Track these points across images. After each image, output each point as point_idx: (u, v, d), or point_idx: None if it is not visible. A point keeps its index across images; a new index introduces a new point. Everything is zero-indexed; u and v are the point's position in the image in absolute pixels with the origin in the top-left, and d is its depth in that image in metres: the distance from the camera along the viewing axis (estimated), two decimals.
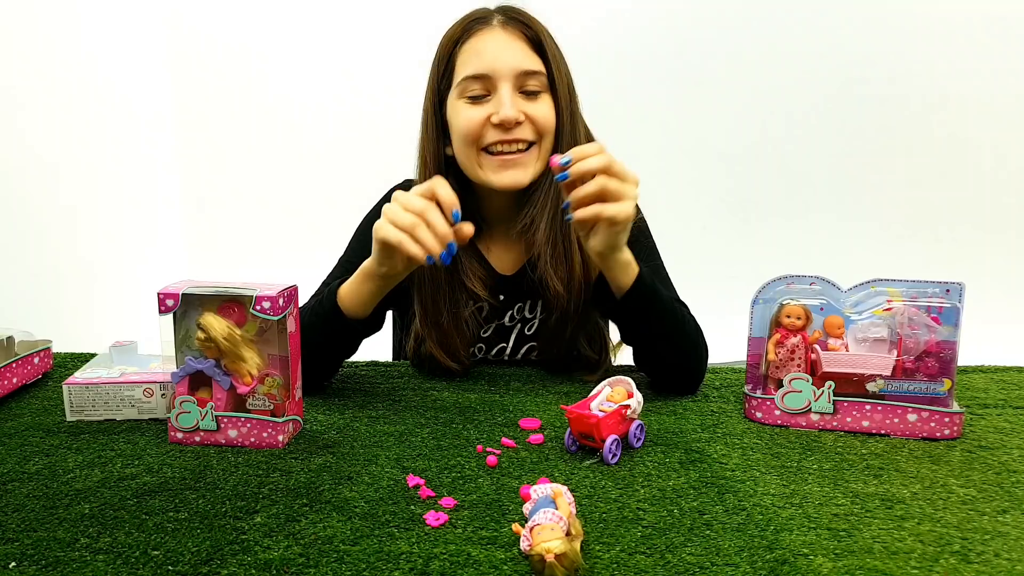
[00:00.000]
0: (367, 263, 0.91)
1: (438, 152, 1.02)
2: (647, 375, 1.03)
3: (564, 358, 1.06)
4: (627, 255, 0.91)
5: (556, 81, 0.99)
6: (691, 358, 0.99)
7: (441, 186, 0.84)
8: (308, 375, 0.88)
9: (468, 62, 0.97)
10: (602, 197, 0.83)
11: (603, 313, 1.04)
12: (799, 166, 2.34)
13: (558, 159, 0.84)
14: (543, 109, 0.98)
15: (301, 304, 0.93)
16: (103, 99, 2.15)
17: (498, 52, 0.96)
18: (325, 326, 0.95)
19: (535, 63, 0.97)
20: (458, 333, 1.04)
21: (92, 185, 2.14)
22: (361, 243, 1.09)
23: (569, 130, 1.00)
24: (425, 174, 1.03)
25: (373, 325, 0.99)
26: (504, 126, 0.96)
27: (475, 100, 0.97)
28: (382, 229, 0.85)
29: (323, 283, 1.07)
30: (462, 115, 0.98)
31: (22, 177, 1.89)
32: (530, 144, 0.99)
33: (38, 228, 1.96)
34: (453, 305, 1.04)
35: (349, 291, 0.94)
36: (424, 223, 0.83)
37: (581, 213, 0.84)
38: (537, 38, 0.98)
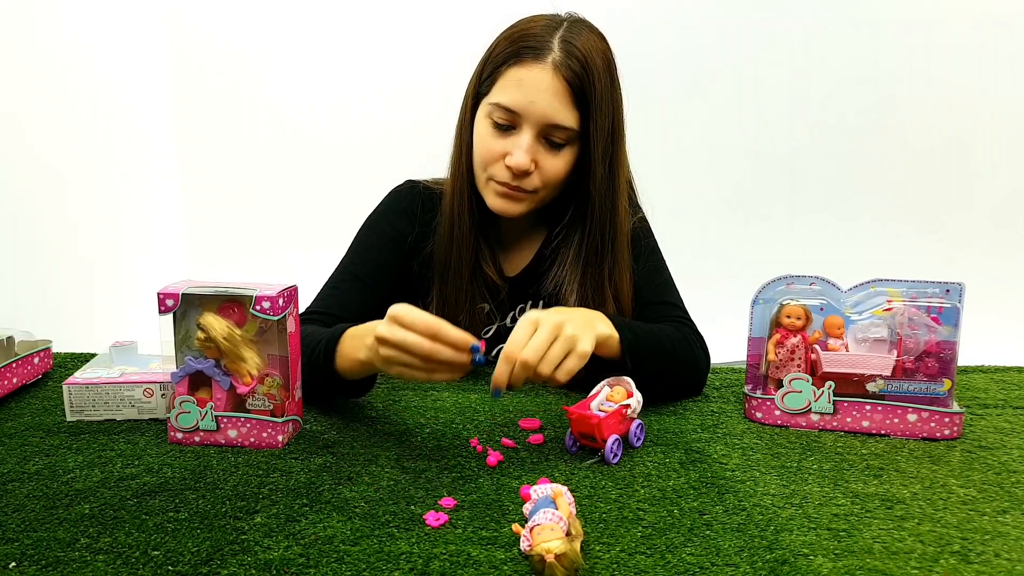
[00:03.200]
0: (369, 359, 0.80)
1: (469, 142, 1.02)
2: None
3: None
4: (601, 337, 0.85)
5: (591, 135, 0.95)
6: (687, 378, 0.99)
7: (445, 328, 0.74)
8: (308, 399, 0.88)
9: (506, 89, 0.94)
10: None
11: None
12: (799, 166, 2.34)
13: (494, 392, 0.76)
14: (557, 164, 0.96)
15: (302, 309, 0.93)
16: (103, 99, 2.15)
17: (535, 95, 0.92)
18: (324, 383, 0.89)
19: (567, 118, 0.93)
20: (473, 327, 1.05)
21: (92, 185, 2.14)
22: (363, 247, 1.09)
23: (604, 180, 0.97)
24: (459, 158, 1.03)
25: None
26: (513, 171, 0.95)
27: (499, 128, 0.96)
28: (396, 373, 0.77)
29: (324, 286, 1.06)
30: (483, 138, 0.97)
31: (22, 177, 1.89)
32: (531, 191, 0.98)
33: (38, 228, 1.96)
34: (471, 300, 1.05)
35: (348, 366, 0.85)
36: (436, 366, 0.75)
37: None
38: (583, 89, 0.93)
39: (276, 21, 2.32)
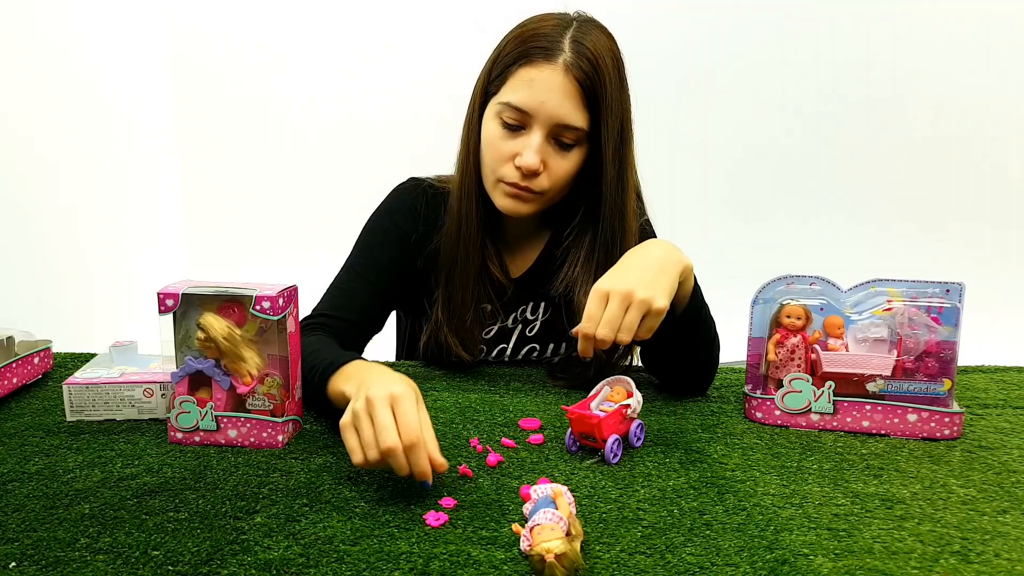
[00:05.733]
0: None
1: (476, 142, 1.01)
2: (665, 379, 1.03)
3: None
4: (685, 273, 0.89)
5: (602, 136, 0.95)
6: (713, 358, 1.00)
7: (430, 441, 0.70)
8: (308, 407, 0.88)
9: (517, 89, 0.93)
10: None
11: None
12: (799, 166, 2.34)
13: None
14: (565, 165, 0.96)
15: (308, 310, 0.93)
16: (103, 99, 2.15)
17: (545, 96, 0.92)
18: (321, 405, 0.86)
19: (578, 118, 0.93)
20: (478, 327, 1.06)
21: (92, 185, 2.14)
22: (367, 246, 1.08)
23: (614, 180, 0.97)
24: (466, 157, 1.02)
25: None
26: (523, 171, 0.95)
27: (509, 128, 0.95)
28: (347, 439, 0.70)
29: (330, 287, 1.05)
30: (492, 138, 0.96)
31: (22, 177, 1.89)
32: (539, 192, 0.97)
33: (38, 228, 1.96)
34: (476, 299, 1.05)
35: (340, 399, 0.79)
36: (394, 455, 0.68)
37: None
38: (594, 89, 0.92)
39: (277, 21, 2.32)
